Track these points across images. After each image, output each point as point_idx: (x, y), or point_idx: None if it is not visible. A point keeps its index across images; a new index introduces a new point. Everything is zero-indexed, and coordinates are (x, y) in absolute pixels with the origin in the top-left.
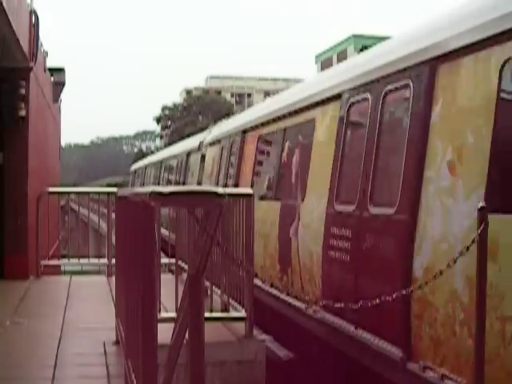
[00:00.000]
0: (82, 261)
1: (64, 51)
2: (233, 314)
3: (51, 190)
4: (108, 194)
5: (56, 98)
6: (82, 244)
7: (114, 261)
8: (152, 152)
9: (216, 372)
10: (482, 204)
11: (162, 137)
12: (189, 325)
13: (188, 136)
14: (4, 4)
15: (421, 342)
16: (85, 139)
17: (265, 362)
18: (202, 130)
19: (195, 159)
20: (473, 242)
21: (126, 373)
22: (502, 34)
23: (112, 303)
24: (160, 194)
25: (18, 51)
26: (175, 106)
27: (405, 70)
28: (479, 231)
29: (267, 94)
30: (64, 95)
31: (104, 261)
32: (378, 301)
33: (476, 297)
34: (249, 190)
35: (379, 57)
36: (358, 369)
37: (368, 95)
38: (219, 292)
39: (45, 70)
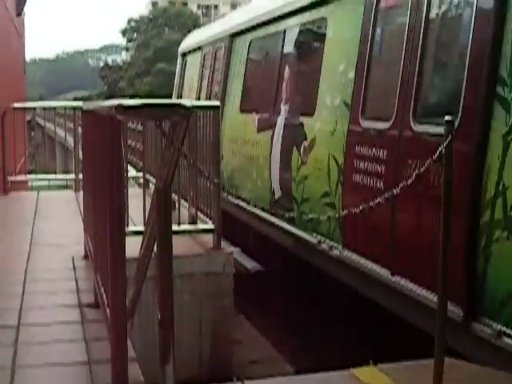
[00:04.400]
0: (50, 176)
1: None
2: (200, 226)
3: (16, 105)
4: (74, 108)
5: (19, 11)
6: (49, 159)
7: (81, 176)
8: (119, 67)
9: (184, 284)
10: (448, 117)
11: (127, 49)
12: (157, 238)
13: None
14: None
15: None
16: (50, 53)
17: (233, 274)
18: (168, 42)
19: None
20: (439, 154)
21: (96, 287)
22: None
23: (80, 218)
24: (126, 107)
25: None
26: (141, 19)
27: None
28: (445, 144)
29: (234, 5)
30: (28, 8)
31: (71, 176)
32: None
33: (442, 210)
34: (216, 103)
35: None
36: None
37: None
38: (187, 205)
39: None
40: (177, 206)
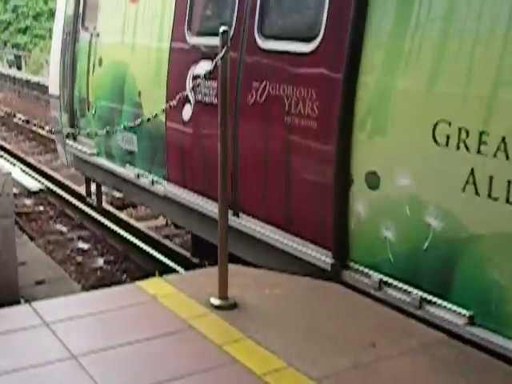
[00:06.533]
0: None
1: None
2: None
3: None
4: None
5: None
6: None
7: None
8: None
9: None
10: (224, 28)
11: None
12: None
13: None
14: None
15: None
16: None
17: (12, 194)
18: None
19: None
20: (215, 65)
21: None
22: None
23: None
24: None
25: None
26: None
27: None
28: (221, 55)
29: None
30: None
31: None
32: None
33: (219, 119)
34: None
35: None
36: None
37: None
38: None
39: None
40: None
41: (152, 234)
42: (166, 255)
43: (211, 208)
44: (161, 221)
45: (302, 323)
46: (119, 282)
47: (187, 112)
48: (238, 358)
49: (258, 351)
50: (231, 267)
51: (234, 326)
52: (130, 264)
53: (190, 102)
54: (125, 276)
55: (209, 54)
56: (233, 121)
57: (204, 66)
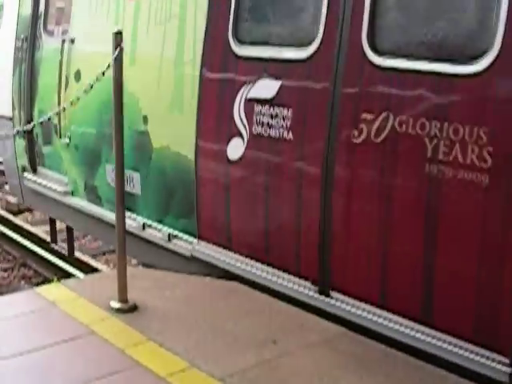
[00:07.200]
0: None
1: None
2: None
3: None
4: None
5: None
6: None
7: None
8: None
9: None
10: (118, 29)
11: None
12: None
13: None
14: None
15: None
16: None
17: None
18: None
19: None
20: (108, 66)
21: None
22: None
23: None
24: None
25: None
26: None
27: None
28: (115, 56)
29: None
30: None
31: None
32: None
33: (113, 122)
34: None
35: None
36: None
37: None
38: None
39: None
40: None
41: (49, 238)
42: (64, 260)
43: (277, 280)
44: (58, 225)
45: (203, 323)
46: (17, 289)
47: (236, 148)
48: (141, 360)
49: (160, 353)
50: (130, 270)
51: (135, 329)
52: (28, 270)
53: (240, 134)
54: (23, 283)
55: (274, 71)
56: (320, 165)
57: (266, 87)
